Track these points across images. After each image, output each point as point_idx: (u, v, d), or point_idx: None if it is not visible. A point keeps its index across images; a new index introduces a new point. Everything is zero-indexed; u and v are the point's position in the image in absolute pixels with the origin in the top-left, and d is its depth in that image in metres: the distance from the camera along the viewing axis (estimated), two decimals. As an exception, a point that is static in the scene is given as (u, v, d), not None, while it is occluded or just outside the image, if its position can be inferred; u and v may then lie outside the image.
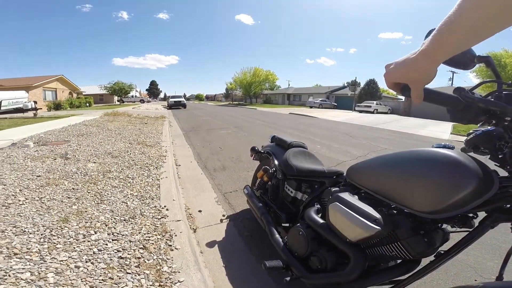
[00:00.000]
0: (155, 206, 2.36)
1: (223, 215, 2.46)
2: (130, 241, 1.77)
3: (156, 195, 2.63)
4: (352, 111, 23.64)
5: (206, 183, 3.36)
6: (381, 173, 1.02)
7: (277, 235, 1.55)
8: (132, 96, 44.35)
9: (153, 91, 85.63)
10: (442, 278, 1.67)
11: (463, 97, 0.70)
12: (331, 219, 1.12)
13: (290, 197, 1.75)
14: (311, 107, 27.89)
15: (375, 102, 23.86)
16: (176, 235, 1.91)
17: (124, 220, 2.08)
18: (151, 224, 2.04)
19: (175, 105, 22.06)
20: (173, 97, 24.10)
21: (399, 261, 1.07)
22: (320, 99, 30.36)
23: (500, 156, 0.77)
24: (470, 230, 0.84)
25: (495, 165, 0.80)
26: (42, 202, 2.28)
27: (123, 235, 1.85)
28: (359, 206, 1.02)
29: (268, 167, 1.96)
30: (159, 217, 2.17)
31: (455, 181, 0.77)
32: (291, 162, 1.69)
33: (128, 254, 1.63)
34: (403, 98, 26.04)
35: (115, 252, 1.64)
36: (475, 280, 1.65)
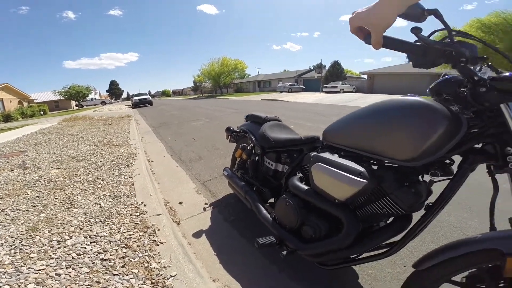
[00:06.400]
0: (132, 204, 2.25)
1: (206, 204, 2.41)
2: (110, 242, 1.67)
3: (131, 192, 2.50)
4: (320, 92, 24.27)
5: (183, 174, 3.27)
6: (357, 128, 1.03)
7: (265, 211, 1.54)
8: (92, 99, 41.31)
9: (114, 91, 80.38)
10: (432, 240, 1.69)
11: (419, 36, 0.73)
12: (316, 181, 1.10)
13: (271, 170, 1.73)
14: (281, 91, 28.17)
15: (340, 82, 24.63)
16: (159, 230, 1.84)
17: (100, 221, 1.95)
18: (130, 221, 1.94)
19: (140, 103, 20.95)
20: (137, 95, 22.79)
21: (390, 221, 1.07)
22: (289, 83, 30.81)
23: (462, 99, 0.80)
24: (451, 177, 0.86)
25: (458, 107, 0.83)
26: (5, 214, 2.07)
27: (102, 236, 1.74)
28: (341, 162, 1.01)
29: (245, 145, 1.93)
30: (138, 213, 2.07)
31: (429, 123, 0.79)
32: (268, 135, 1.67)
33: (111, 255, 1.54)
34: (365, 76, 27.20)
35: (96, 255, 1.54)
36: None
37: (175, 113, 11.88)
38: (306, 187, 1.22)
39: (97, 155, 4.00)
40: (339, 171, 0.99)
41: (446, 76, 0.89)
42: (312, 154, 1.24)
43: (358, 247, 1.05)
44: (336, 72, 30.71)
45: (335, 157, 1.07)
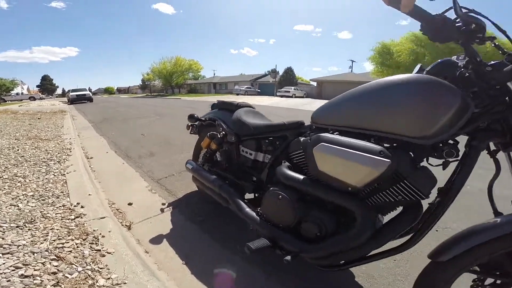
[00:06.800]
0: (64, 205, 1.79)
1: (163, 204, 2.05)
2: (33, 253, 1.25)
3: (62, 192, 2.02)
4: (275, 96, 24.85)
5: (132, 172, 2.81)
6: (361, 106, 0.92)
7: (248, 208, 1.29)
8: (18, 94, 35.19)
9: (46, 87, 69.91)
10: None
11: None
12: (321, 166, 0.93)
13: (249, 161, 1.53)
14: (237, 94, 28.05)
15: (293, 87, 25.79)
16: (103, 236, 1.46)
17: (17, 226, 1.48)
18: (61, 227, 1.51)
19: (78, 100, 18.40)
20: (74, 90, 19.97)
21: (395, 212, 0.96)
22: (246, 86, 31.00)
23: (461, 80, 0.80)
24: (458, 158, 0.83)
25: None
26: None
27: (19, 245, 1.30)
28: (352, 141, 0.87)
29: (215, 133, 1.68)
30: (72, 217, 1.64)
31: (444, 99, 0.77)
32: (245, 120, 1.51)
33: (36, 270, 1.14)
34: (315, 83, 28.98)
35: (13, 270, 1.12)
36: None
37: (120, 110, 10.74)
38: (302, 176, 1.04)
39: (18, 150, 3.24)
40: (355, 151, 0.85)
41: (441, 60, 0.88)
42: (303, 139, 1.10)
43: (374, 244, 0.91)
44: (289, 78, 32.13)
45: (340, 137, 0.92)
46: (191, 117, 1.96)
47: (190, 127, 2.04)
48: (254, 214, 1.24)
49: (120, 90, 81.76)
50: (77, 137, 4.47)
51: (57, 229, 1.48)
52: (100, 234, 1.48)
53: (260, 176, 1.46)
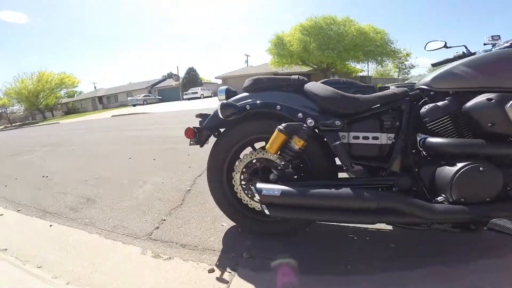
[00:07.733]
0: None
1: (210, 270, 1.21)
2: None
3: None
4: (182, 100, 23.21)
5: (84, 236, 1.64)
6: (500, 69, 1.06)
7: (436, 204, 1.04)
8: None
9: None
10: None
11: None
12: None
13: (374, 147, 1.18)
14: (134, 105, 24.68)
15: (199, 88, 24.83)
16: None
17: None
18: None
19: None
20: None
21: None
22: (143, 95, 27.76)
23: None
24: None
25: None
26: None
27: None
28: None
29: (295, 123, 1.14)
30: None
31: None
32: (347, 94, 1.20)
33: None
34: (220, 81, 29.02)
35: None
36: None
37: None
38: (481, 140, 1.05)
39: None
40: None
41: None
42: (444, 102, 1.11)
43: None
44: (192, 79, 30.93)
45: None
46: (228, 107, 1.20)
47: (197, 132, 1.38)
48: (447, 207, 1.03)
49: (-47, 128, 58.67)
50: None
51: None
52: None
53: (385, 164, 1.17)
